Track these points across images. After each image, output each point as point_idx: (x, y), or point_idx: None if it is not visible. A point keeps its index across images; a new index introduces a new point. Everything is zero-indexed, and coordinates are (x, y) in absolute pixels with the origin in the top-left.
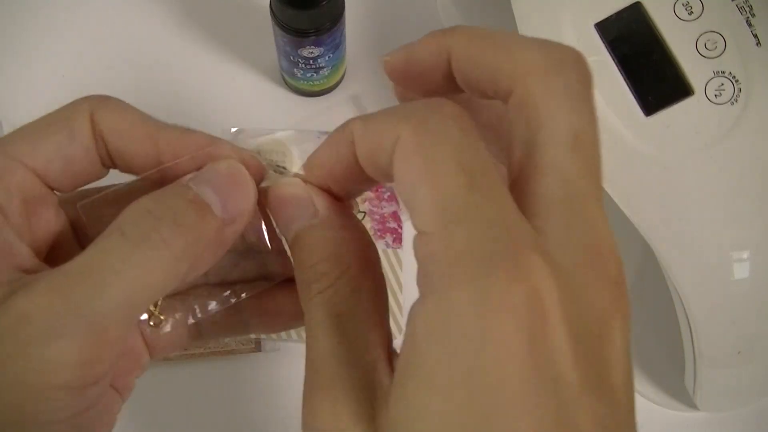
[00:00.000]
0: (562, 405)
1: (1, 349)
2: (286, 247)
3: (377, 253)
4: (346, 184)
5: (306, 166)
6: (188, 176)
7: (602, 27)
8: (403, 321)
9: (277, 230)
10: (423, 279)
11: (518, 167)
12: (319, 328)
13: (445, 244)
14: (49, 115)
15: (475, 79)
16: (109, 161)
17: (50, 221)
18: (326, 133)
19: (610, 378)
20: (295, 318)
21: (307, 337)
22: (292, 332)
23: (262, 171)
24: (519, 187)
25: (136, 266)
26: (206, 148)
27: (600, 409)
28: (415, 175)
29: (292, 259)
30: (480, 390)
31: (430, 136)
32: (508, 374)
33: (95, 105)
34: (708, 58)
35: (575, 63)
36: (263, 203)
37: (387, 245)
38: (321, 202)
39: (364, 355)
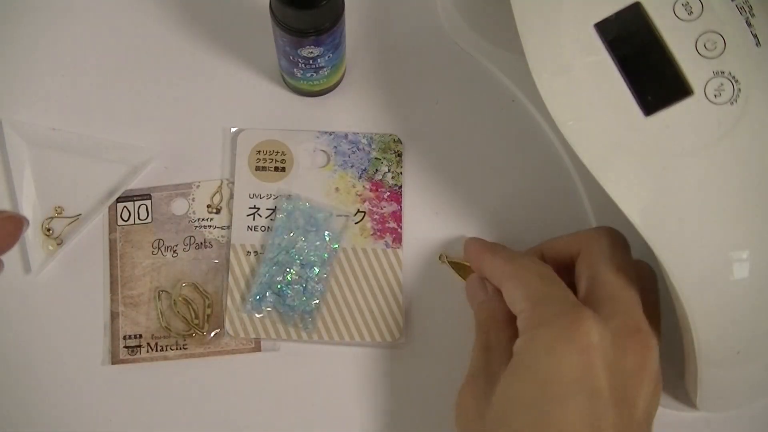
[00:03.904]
0: (595, 412)
1: None
2: None
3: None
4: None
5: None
6: None
7: (602, 27)
8: (402, 320)
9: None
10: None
11: (586, 286)
12: (479, 345)
13: None
14: None
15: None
16: None
17: None
18: (326, 133)
19: (635, 408)
20: None
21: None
22: (292, 332)
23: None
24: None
25: None
26: None
27: (620, 422)
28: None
29: (480, 314)
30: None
31: (611, 247)
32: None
33: None
34: (708, 58)
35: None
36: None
37: (387, 245)
38: (488, 287)
39: (496, 358)
